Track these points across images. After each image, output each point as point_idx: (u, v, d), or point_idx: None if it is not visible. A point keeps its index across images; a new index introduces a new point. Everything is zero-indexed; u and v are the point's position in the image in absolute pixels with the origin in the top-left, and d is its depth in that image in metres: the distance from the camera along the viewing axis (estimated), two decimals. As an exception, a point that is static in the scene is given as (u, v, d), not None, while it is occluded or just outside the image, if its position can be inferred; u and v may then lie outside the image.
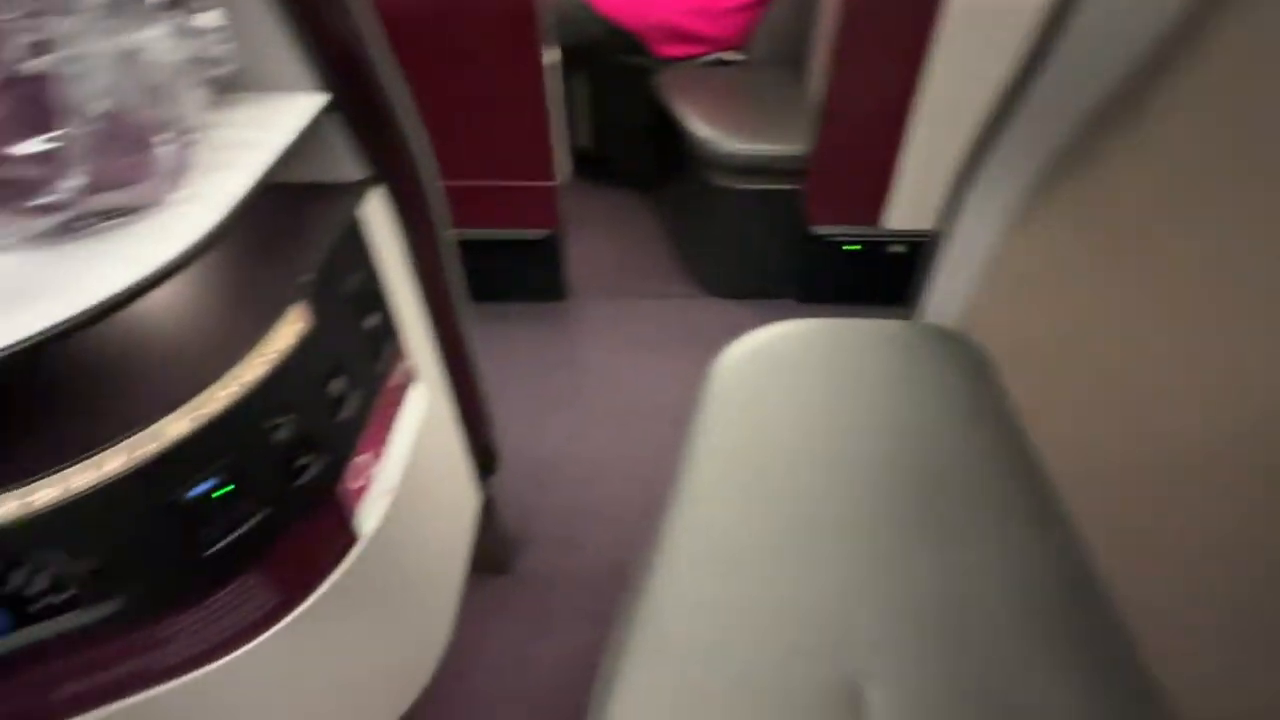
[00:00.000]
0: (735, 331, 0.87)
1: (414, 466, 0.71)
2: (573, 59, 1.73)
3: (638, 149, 2.02)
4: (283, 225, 0.57)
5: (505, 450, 1.05)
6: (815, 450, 0.70)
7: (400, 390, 0.70)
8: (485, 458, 0.99)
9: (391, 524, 0.67)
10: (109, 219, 0.39)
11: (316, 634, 0.62)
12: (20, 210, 0.34)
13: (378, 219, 0.64)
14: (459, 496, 0.92)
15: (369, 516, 0.64)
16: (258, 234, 0.56)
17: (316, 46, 0.52)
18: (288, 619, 0.58)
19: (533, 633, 1.13)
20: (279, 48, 0.51)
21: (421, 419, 0.74)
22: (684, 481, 0.69)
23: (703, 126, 1.57)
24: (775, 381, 0.78)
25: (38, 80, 0.31)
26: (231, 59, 0.43)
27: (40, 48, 0.31)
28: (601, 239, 1.94)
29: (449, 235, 0.75)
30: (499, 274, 1.62)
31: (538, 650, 1.10)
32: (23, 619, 0.45)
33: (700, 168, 1.60)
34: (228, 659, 0.56)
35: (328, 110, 0.55)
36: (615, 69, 1.89)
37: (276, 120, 0.50)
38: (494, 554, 1.14)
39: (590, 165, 2.09)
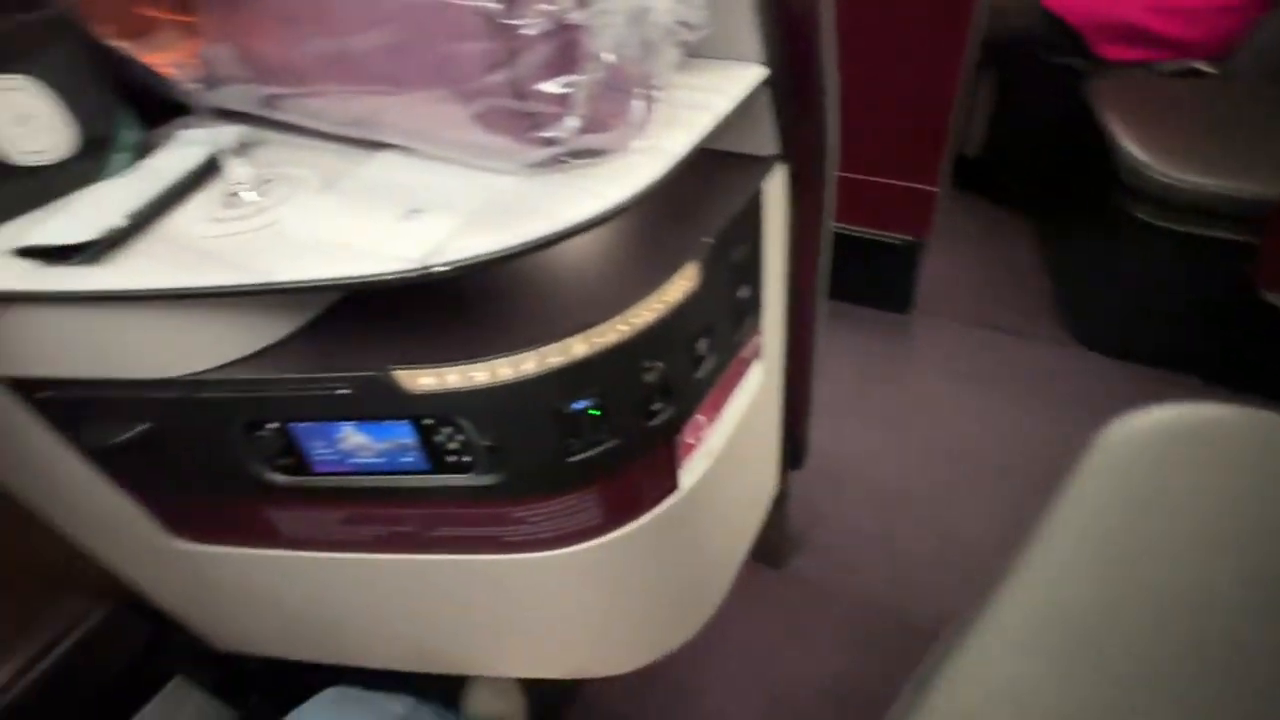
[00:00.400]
0: (1108, 396, 0.72)
1: (736, 438, 0.73)
2: (988, 52, 1.56)
3: (1037, 163, 1.76)
4: (694, 186, 0.60)
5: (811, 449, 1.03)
6: (1231, 571, 0.54)
7: (746, 363, 0.71)
8: (795, 451, 0.98)
9: (705, 485, 0.69)
10: (580, 158, 0.44)
11: (619, 558, 0.67)
12: (530, 139, 0.40)
13: (775, 196, 0.64)
14: (763, 479, 0.93)
15: (691, 472, 0.66)
16: (672, 191, 0.61)
17: (776, 20, 0.52)
18: (603, 538, 0.64)
19: (787, 635, 1.10)
20: (739, 17, 0.53)
21: (754, 396, 0.75)
22: (1031, 558, 0.59)
23: (1139, 146, 1.30)
24: (1191, 474, 0.62)
25: (574, 29, 0.36)
26: (705, 25, 0.46)
27: (583, 0, 0.36)
28: (966, 256, 1.75)
29: (831, 226, 0.73)
30: (847, 272, 1.56)
31: (787, 653, 1.07)
32: (436, 467, 0.55)
33: (1121, 195, 1.33)
34: (549, 553, 0.63)
35: (763, 83, 0.56)
36: (1038, 69, 1.66)
37: (721, 87, 0.53)
38: (772, 546, 1.13)
39: (972, 172, 1.89)
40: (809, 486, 1.22)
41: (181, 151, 0.52)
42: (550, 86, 0.37)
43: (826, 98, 0.60)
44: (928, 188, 1.35)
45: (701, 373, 0.60)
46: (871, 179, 1.38)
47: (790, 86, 0.57)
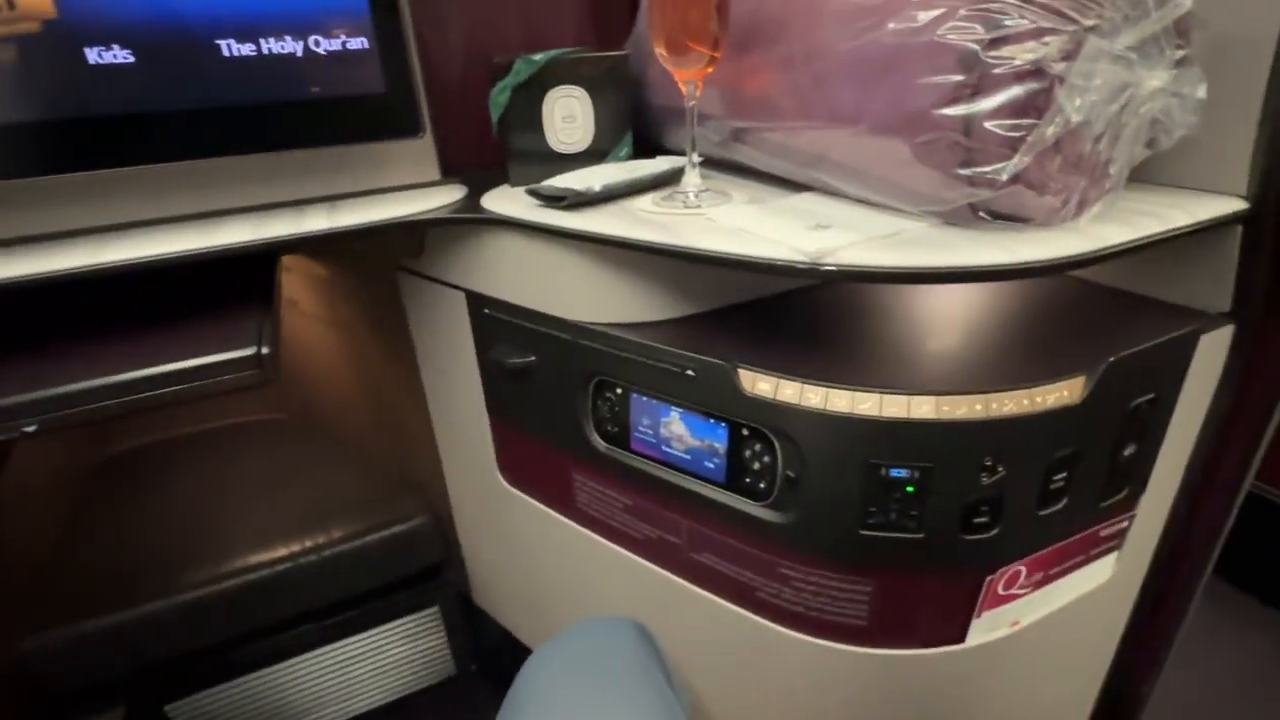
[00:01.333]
0: None
1: (1053, 627, 0.59)
2: None
3: None
4: (1112, 315, 0.55)
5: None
6: None
7: (1100, 544, 0.59)
8: (1122, 707, 0.75)
9: (994, 659, 0.58)
10: (998, 219, 0.44)
11: (857, 682, 0.59)
12: (951, 174, 0.42)
13: (1208, 360, 0.54)
14: (1065, 709, 0.73)
15: (983, 630, 0.56)
16: (1085, 303, 0.56)
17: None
18: (857, 648, 0.56)
19: None
20: (1232, 135, 0.48)
21: (1094, 591, 0.61)
22: None
23: None
24: None
25: (1049, 79, 0.38)
26: (1189, 128, 0.43)
27: (1068, 53, 0.37)
28: None
29: (1268, 431, 0.59)
30: (1273, 555, 1.19)
31: None
32: (732, 483, 0.56)
33: None
34: (793, 634, 0.58)
35: (1234, 220, 0.49)
36: None
37: (1181, 204, 0.48)
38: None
39: None
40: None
41: (656, 163, 0.66)
42: (1002, 126, 0.38)
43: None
44: None
45: (1047, 511, 0.52)
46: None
47: (1276, 234, 0.49)
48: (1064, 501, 0.52)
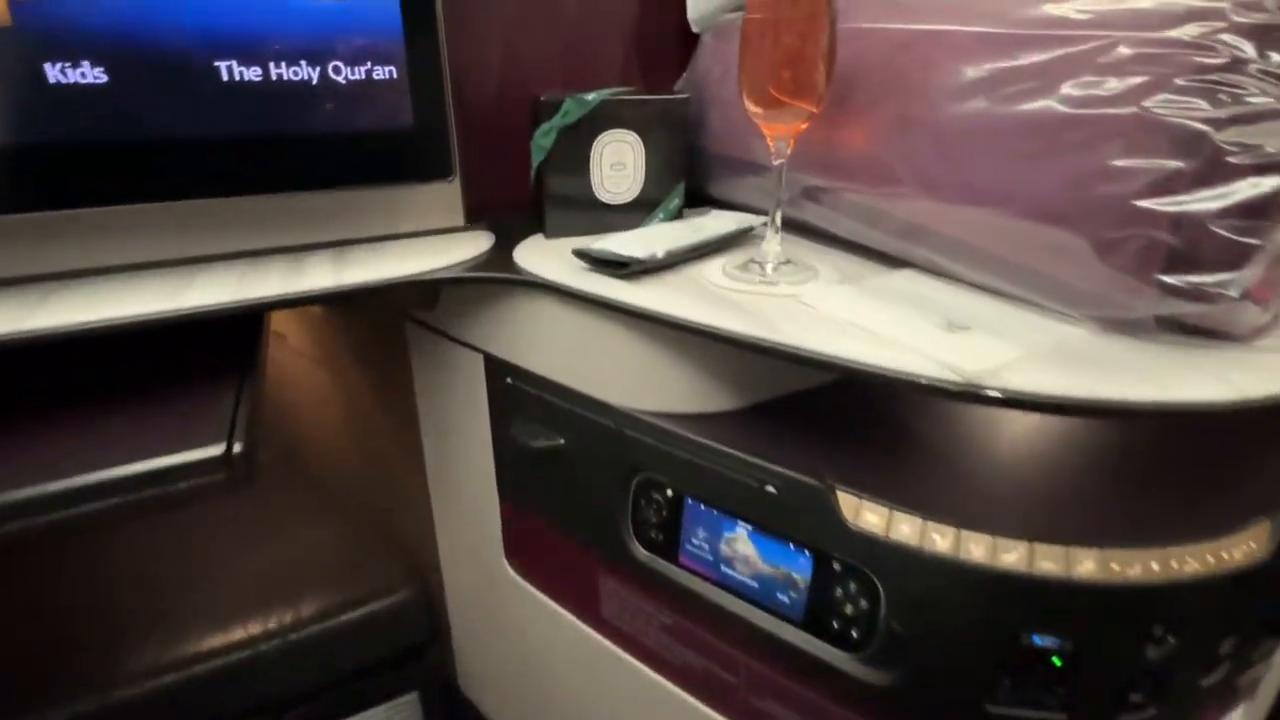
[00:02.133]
0: None
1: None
2: None
3: None
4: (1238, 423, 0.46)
5: None
6: None
7: (1234, 699, 0.50)
8: None
9: None
10: (1185, 333, 0.35)
11: None
12: (1146, 279, 0.33)
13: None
14: None
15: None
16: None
17: None
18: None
19: None
20: None
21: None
22: None
23: None
24: None
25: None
26: None
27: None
28: None
29: None
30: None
31: None
32: (811, 625, 0.46)
33: None
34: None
35: None
36: None
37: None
38: None
39: None
40: None
41: (719, 220, 0.56)
42: (1234, 228, 0.30)
43: None
44: None
45: (1209, 681, 0.42)
46: None
47: None
48: (1227, 666, 0.43)
